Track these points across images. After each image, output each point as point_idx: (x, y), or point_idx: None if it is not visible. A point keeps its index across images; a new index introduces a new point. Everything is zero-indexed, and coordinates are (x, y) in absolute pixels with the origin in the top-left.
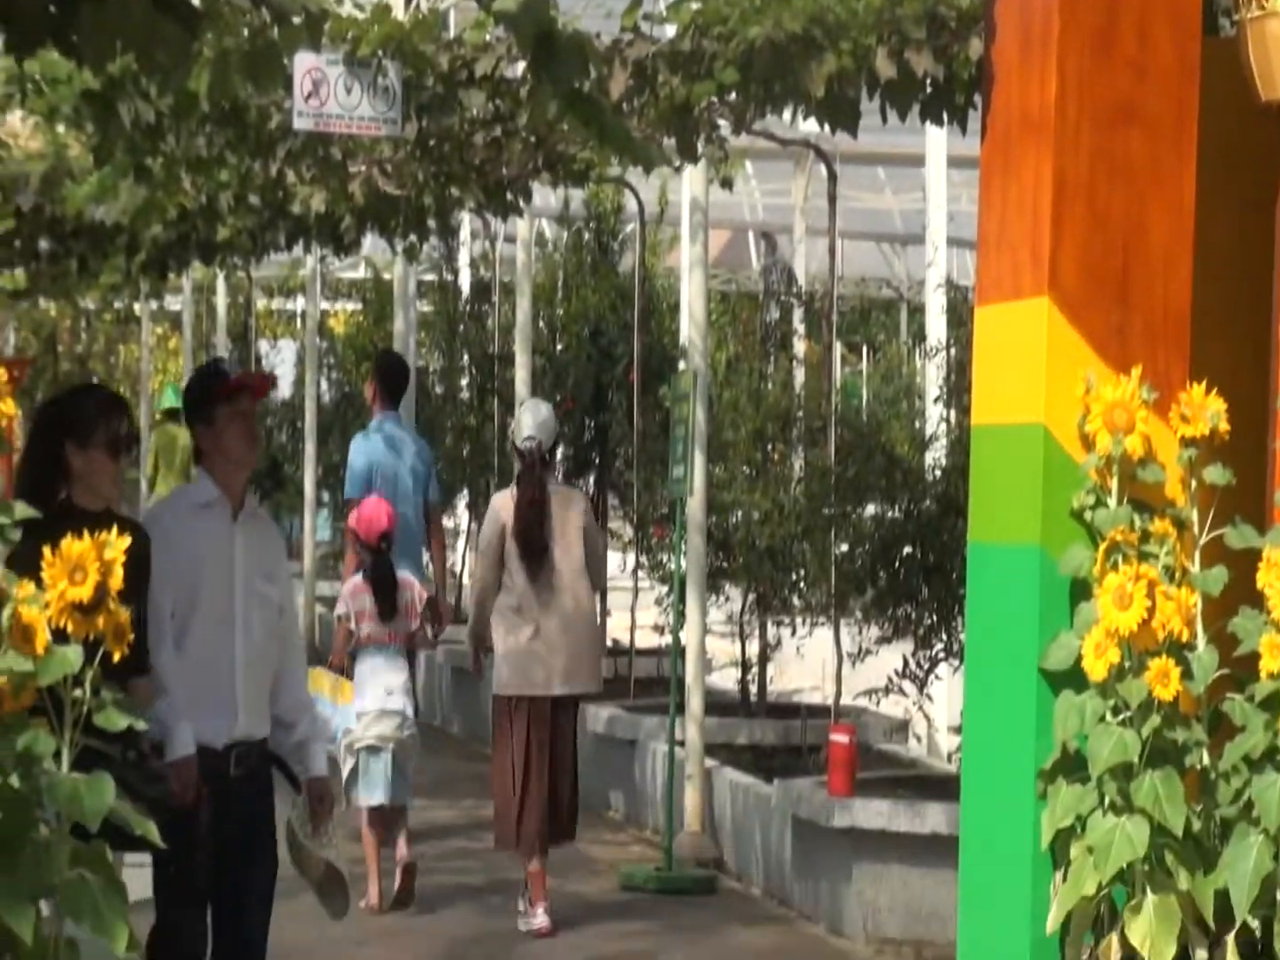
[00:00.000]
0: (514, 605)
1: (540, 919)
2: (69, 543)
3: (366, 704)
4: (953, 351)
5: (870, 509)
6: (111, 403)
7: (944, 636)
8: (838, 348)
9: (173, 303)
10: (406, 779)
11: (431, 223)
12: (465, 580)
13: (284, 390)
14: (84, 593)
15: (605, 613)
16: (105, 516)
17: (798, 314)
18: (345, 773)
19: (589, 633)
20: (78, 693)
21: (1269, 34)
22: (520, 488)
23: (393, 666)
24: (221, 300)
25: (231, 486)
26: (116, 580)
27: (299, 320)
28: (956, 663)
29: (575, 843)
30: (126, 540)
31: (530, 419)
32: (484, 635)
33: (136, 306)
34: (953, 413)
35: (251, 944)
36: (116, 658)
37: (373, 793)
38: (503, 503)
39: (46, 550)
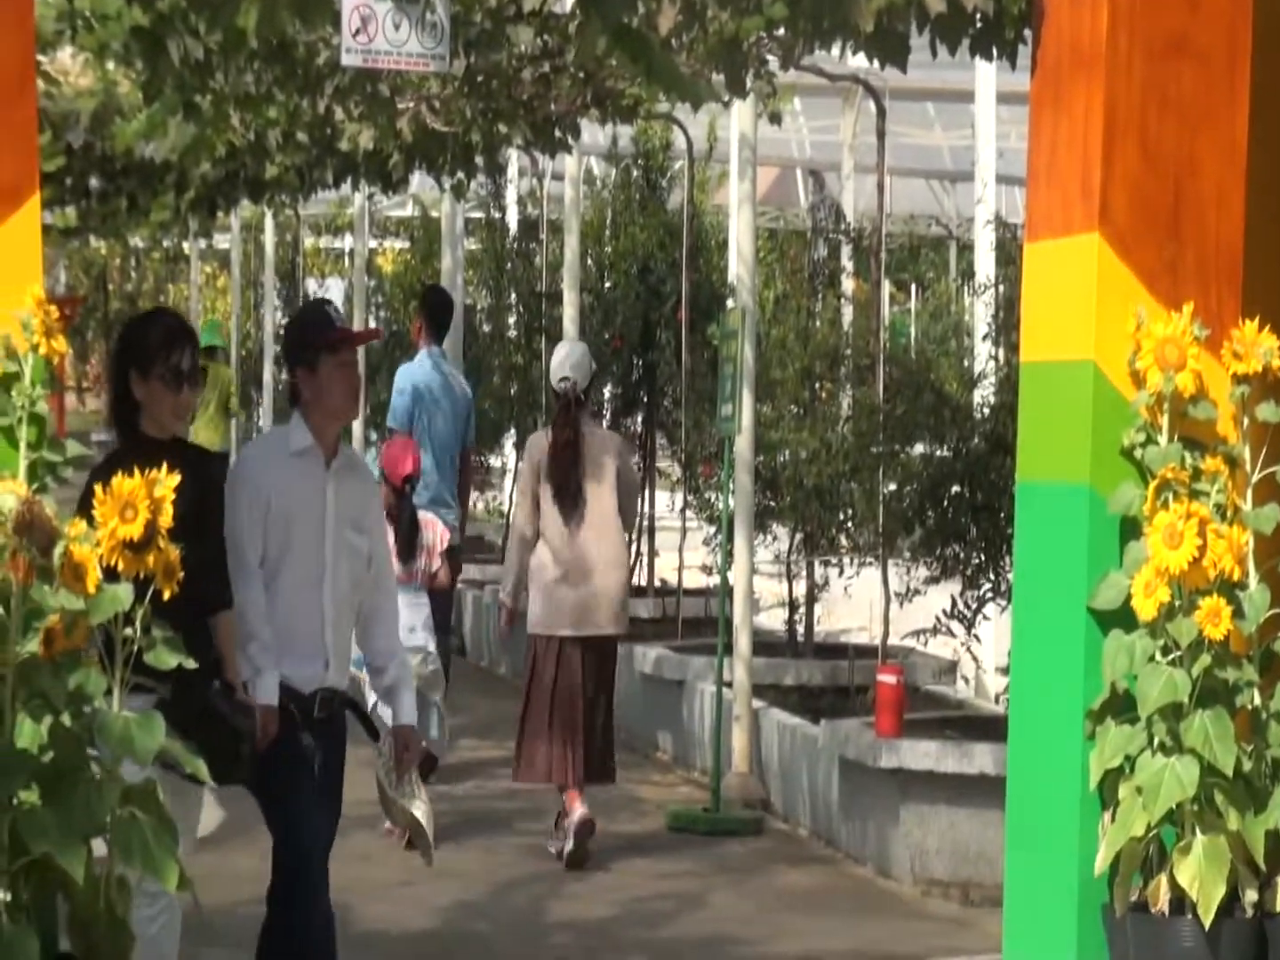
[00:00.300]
0: (547, 545)
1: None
2: (119, 480)
3: None
4: (1001, 289)
5: (919, 448)
6: (175, 333)
7: (992, 577)
8: (886, 285)
9: (221, 241)
10: (439, 718)
11: (479, 160)
12: (512, 518)
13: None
14: (134, 530)
15: (654, 553)
16: (172, 446)
17: (846, 251)
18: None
19: (618, 576)
20: (129, 631)
21: None
22: (555, 429)
23: (413, 604)
24: (269, 239)
25: (326, 435)
26: (166, 518)
27: (346, 259)
28: (1004, 603)
29: (623, 783)
30: (176, 478)
31: (565, 359)
32: (517, 587)
33: (185, 245)
34: (1001, 350)
35: (330, 835)
36: (166, 595)
37: None
38: (538, 443)
39: (98, 488)
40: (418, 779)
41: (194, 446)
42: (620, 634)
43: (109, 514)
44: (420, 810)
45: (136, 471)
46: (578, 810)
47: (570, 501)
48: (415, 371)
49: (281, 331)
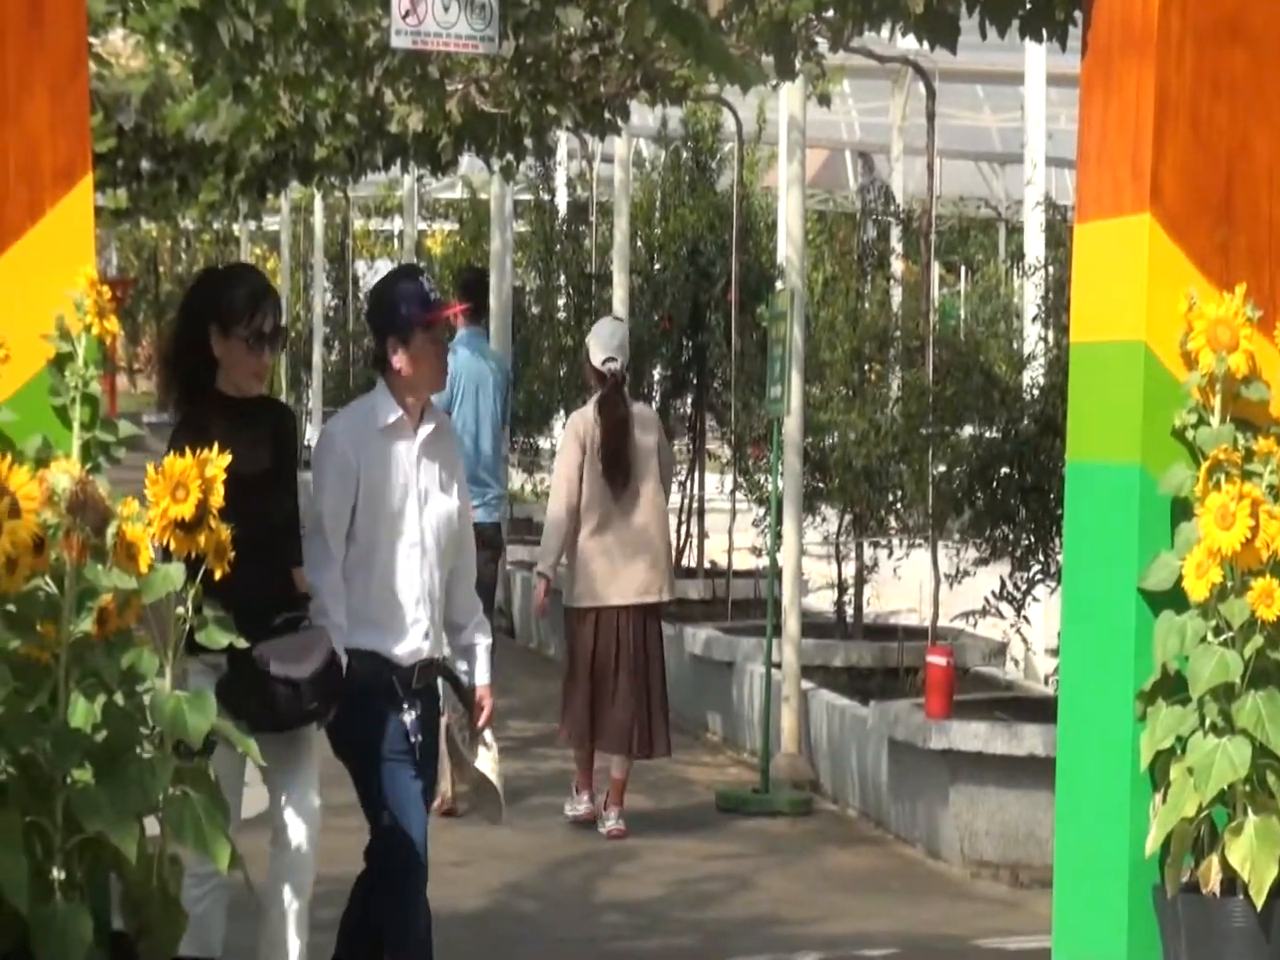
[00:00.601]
0: (593, 519)
1: (584, 806)
2: (170, 460)
3: None
4: (1051, 270)
5: (968, 429)
6: (261, 293)
7: (1041, 558)
8: (935, 267)
9: (271, 223)
10: None
11: (528, 141)
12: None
13: None
14: (186, 510)
15: (704, 535)
16: (253, 401)
17: (895, 233)
18: None
19: (664, 543)
20: (181, 610)
21: None
22: (604, 409)
23: None
24: (319, 220)
25: (413, 407)
26: (218, 498)
27: (396, 240)
28: (1054, 584)
29: (672, 764)
30: (227, 458)
31: (608, 340)
32: (557, 561)
33: (235, 227)
34: (1051, 332)
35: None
36: (212, 571)
37: None
38: (583, 423)
39: (150, 467)
40: (491, 737)
41: (276, 401)
42: (671, 600)
43: (160, 494)
44: (492, 768)
45: (221, 428)
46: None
47: (621, 477)
48: (450, 360)
49: (368, 295)
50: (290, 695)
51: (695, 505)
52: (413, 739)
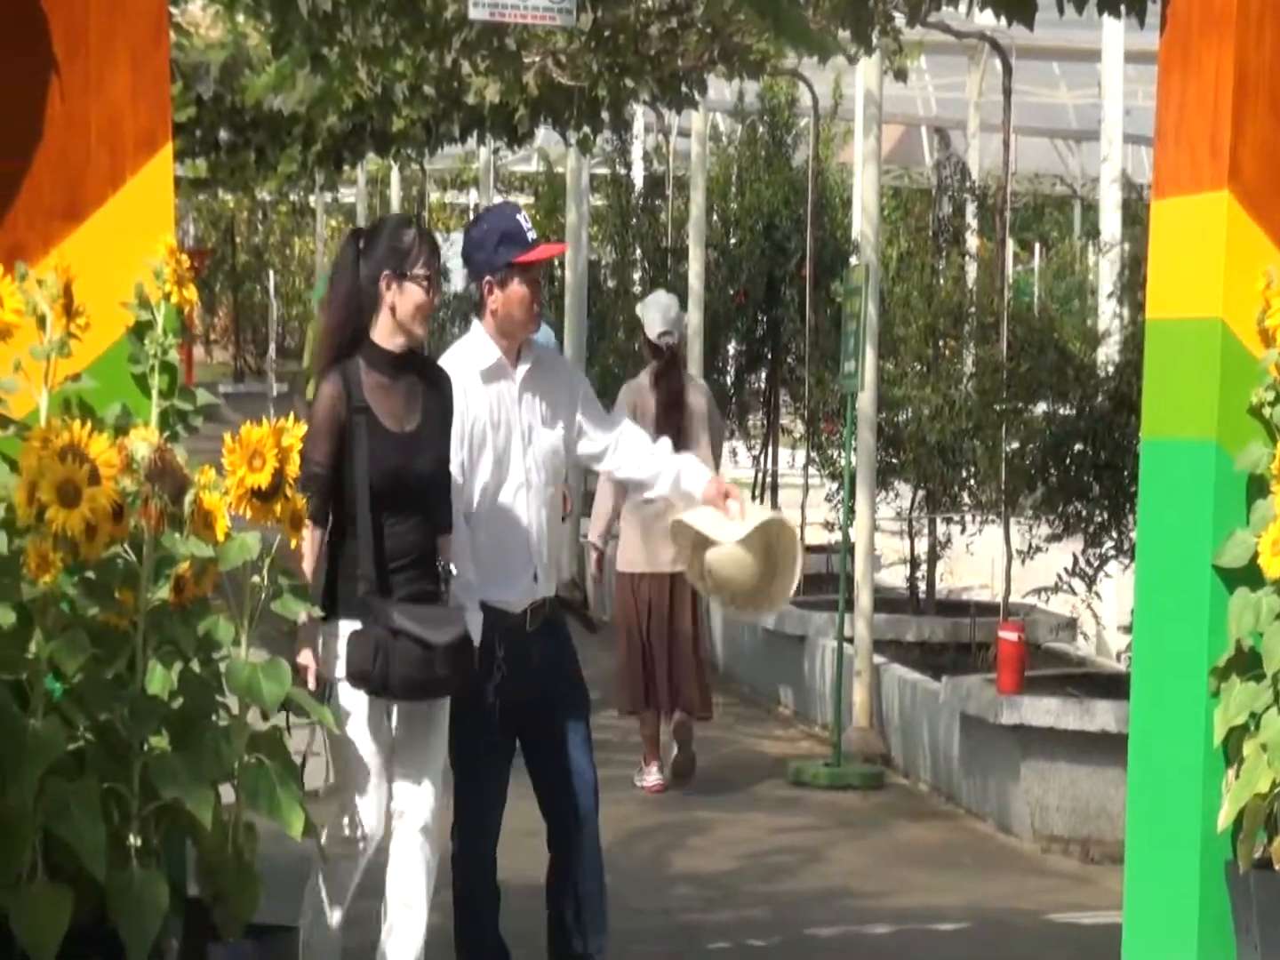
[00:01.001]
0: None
1: (653, 777)
2: (248, 429)
3: None
4: (1127, 247)
5: (1041, 406)
6: (426, 234)
7: (1114, 534)
8: (1010, 244)
9: (346, 195)
10: None
11: (605, 115)
12: None
13: (457, 283)
14: (262, 479)
15: (777, 508)
16: (405, 359)
17: (970, 209)
18: None
19: None
20: (256, 579)
21: None
22: (660, 381)
23: None
24: (395, 193)
25: (510, 348)
26: (294, 467)
27: (471, 213)
28: (1127, 561)
29: (744, 738)
30: (302, 428)
31: (663, 314)
32: (608, 530)
33: (311, 199)
34: (1126, 309)
35: (584, 779)
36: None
37: None
38: (638, 394)
39: (226, 436)
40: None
41: (430, 360)
42: None
43: (237, 463)
44: (764, 516)
45: (380, 379)
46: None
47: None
48: None
49: (464, 235)
50: (423, 659)
51: (769, 480)
52: (490, 699)
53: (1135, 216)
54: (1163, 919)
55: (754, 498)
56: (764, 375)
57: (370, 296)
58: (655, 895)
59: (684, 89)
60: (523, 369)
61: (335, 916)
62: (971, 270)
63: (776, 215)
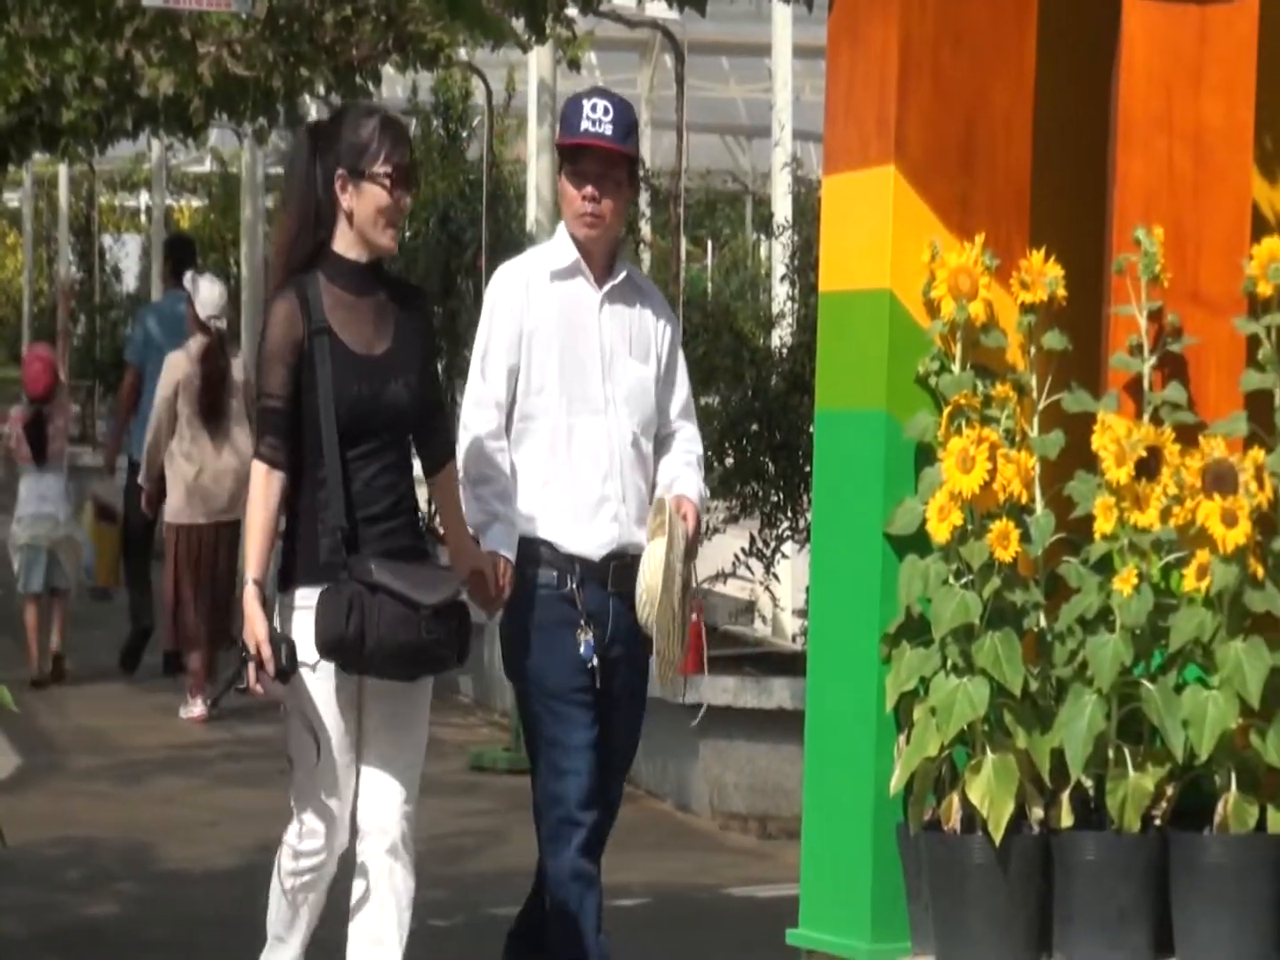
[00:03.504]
0: (183, 446)
1: (198, 708)
2: None
3: (22, 511)
4: (798, 232)
5: (717, 392)
6: (390, 122)
7: (790, 515)
8: (684, 238)
9: (11, 199)
10: (64, 571)
11: (280, 107)
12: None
13: (129, 284)
14: None
15: None
16: (371, 273)
17: (644, 200)
18: (15, 568)
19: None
20: None
21: None
22: (207, 358)
23: (43, 479)
24: (64, 194)
25: (594, 252)
26: None
27: (143, 215)
28: (802, 542)
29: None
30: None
31: (217, 299)
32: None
33: None
34: (798, 292)
35: (632, 744)
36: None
37: (30, 583)
38: (183, 365)
39: None
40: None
41: (398, 277)
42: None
43: None
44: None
45: (343, 295)
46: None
47: (216, 423)
48: (153, 311)
49: None
50: (408, 621)
51: None
52: (590, 664)
53: (805, 209)
54: (838, 886)
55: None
56: (441, 367)
57: (328, 202)
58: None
59: (359, 80)
60: (611, 283)
61: (294, 948)
62: (646, 261)
63: (452, 208)
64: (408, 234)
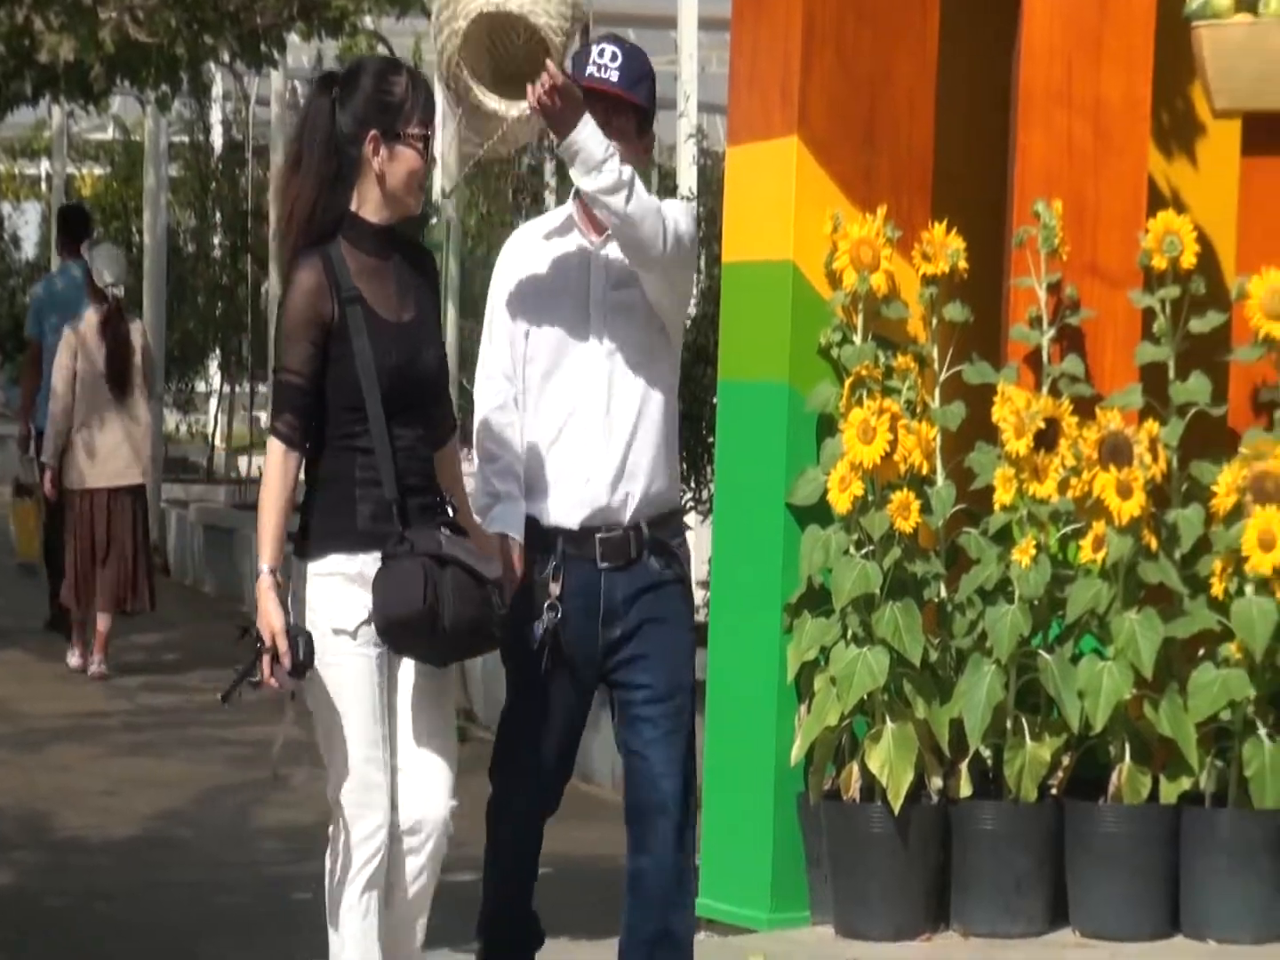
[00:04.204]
0: (82, 414)
1: (92, 665)
2: None
3: None
4: (703, 204)
5: None
6: (425, 84)
7: (693, 486)
8: None
9: None
10: None
11: (184, 74)
12: (217, 441)
13: (28, 252)
14: None
15: None
16: (391, 235)
17: (549, 168)
18: None
19: (145, 437)
20: None
21: None
22: (107, 327)
23: None
24: None
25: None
26: None
27: (44, 183)
28: (706, 511)
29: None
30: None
31: (111, 267)
32: (55, 455)
33: None
34: (703, 263)
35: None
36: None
37: None
38: (84, 334)
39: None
40: None
41: (412, 240)
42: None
43: None
44: None
45: (367, 261)
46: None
47: (121, 389)
48: (49, 282)
49: None
50: (479, 597)
51: None
52: (539, 649)
53: (710, 181)
54: (739, 855)
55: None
56: None
57: (351, 160)
58: (239, 849)
59: (264, 48)
60: (608, 233)
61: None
62: None
63: None
64: None
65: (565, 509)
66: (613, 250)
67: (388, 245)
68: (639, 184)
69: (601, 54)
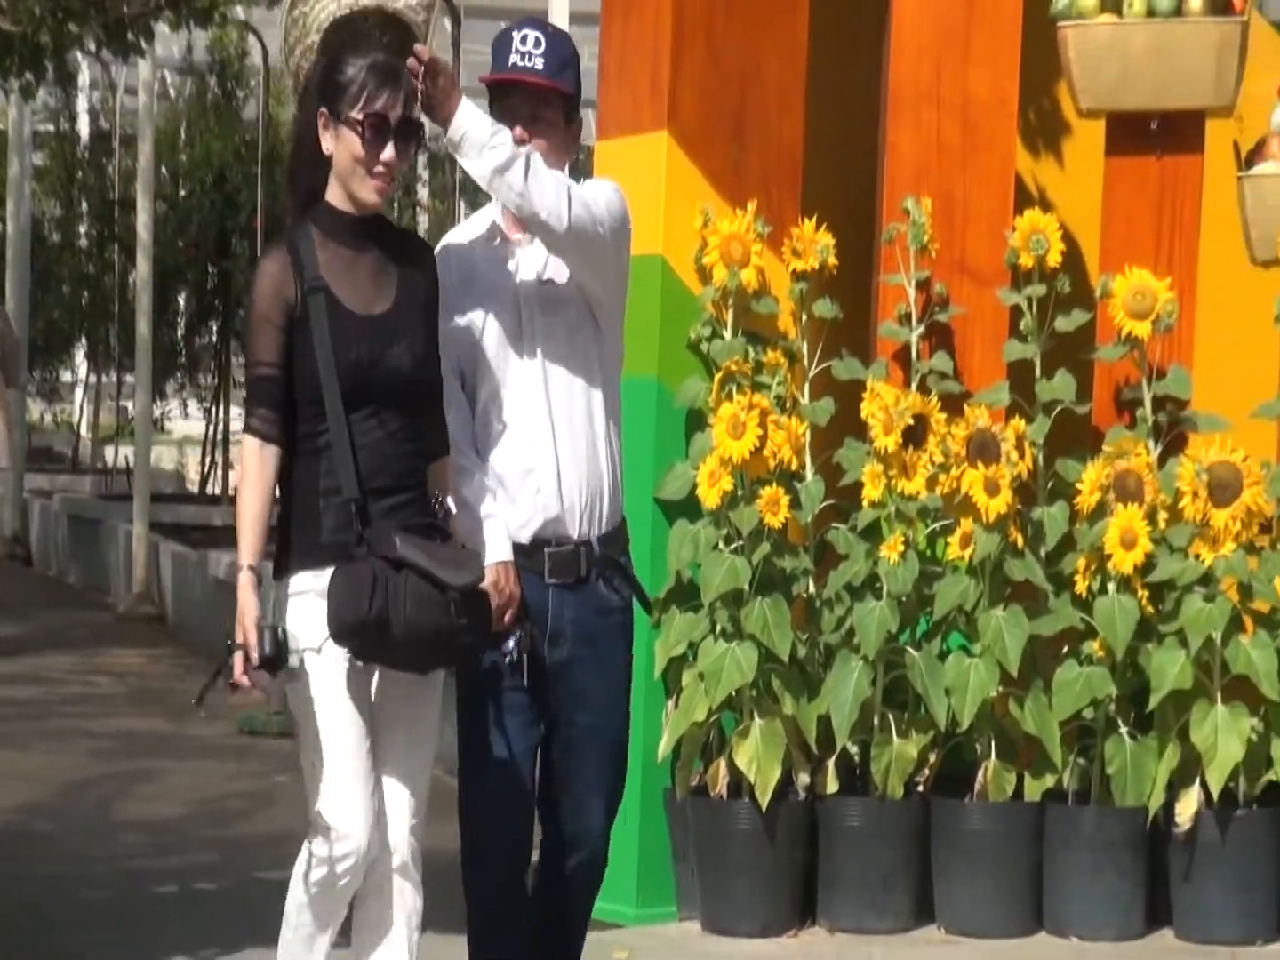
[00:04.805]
0: None
1: None
2: None
3: None
4: None
5: None
6: (385, 67)
7: None
8: (461, 202)
9: None
10: None
11: (48, 63)
12: (83, 430)
13: None
14: None
15: (229, 464)
16: (370, 226)
17: (421, 162)
18: None
19: (6, 429)
20: None
21: None
22: None
23: None
24: None
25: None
26: None
27: None
28: None
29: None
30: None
31: None
32: None
33: None
34: None
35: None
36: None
37: None
38: None
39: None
40: None
41: (405, 231)
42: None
43: None
44: None
45: (338, 250)
46: None
47: None
48: None
49: None
50: (437, 603)
51: (221, 434)
52: (508, 658)
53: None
54: None
55: (205, 454)
56: (215, 329)
57: (314, 144)
58: (103, 843)
59: (130, 36)
60: (531, 243)
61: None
62: (423, 225)
63: (227, 168)
64: (182, 193)
65: (518, 521)
66: (538, 246)
67: (366, 236)
68: (537, 157)
69: (524, 40)
